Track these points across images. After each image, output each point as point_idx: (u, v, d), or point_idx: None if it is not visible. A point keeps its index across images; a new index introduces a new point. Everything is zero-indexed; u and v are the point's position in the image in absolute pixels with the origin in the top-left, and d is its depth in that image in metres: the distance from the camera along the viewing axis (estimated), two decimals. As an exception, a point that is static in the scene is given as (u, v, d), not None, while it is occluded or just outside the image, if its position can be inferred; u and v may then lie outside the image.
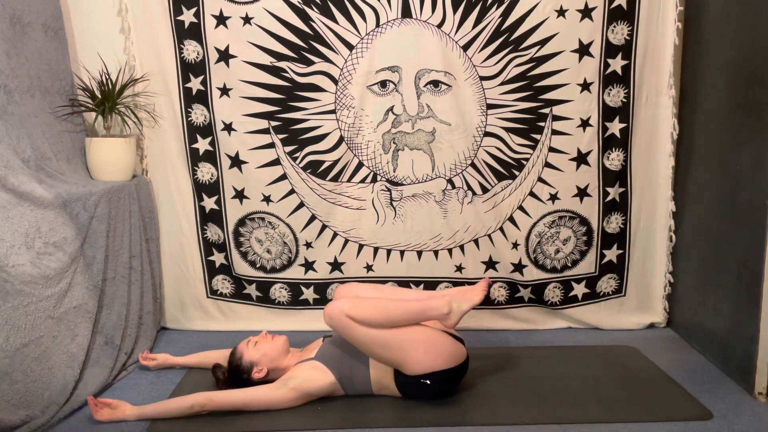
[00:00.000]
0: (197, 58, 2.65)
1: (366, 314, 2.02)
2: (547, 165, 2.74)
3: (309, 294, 2.89)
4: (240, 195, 2.78)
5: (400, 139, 2.71)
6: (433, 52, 2.62)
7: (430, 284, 2.86)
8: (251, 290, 2.89)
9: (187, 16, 2.61)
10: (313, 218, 2.80)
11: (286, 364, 2.20)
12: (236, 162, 2.73)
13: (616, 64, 2.66)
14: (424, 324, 2.12)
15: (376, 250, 2.83)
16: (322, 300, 2.89)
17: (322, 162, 2.73)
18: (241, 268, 2.86)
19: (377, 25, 2.61)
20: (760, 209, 2.14)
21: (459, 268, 2.84)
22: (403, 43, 2.61)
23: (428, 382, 2.08)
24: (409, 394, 2.14)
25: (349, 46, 2.62)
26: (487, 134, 2.71)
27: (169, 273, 2.88)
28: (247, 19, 2.60)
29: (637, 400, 2.15)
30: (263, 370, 2.16)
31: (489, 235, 2.81)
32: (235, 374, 2.19)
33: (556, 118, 2.69)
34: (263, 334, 2.26)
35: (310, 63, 2.64)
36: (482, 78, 2.65)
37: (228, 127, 2.70)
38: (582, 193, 2.77)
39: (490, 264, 2.84)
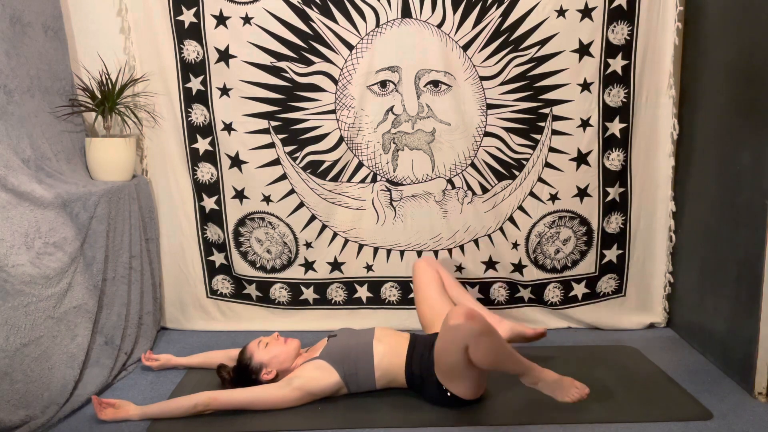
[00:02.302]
0: (197, 58, 2.65)
1: (483, 353, 1.90)
2: (547, 165, 2.74)
3: (309, 294, 2.89)
4: (240, 195, 2.78)
5: (400, 139, 2.71)
6: (433, 52, 2.62)
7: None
8: (251, 290, 2.89)
9: (187, 16, 2.61)
10: (313, 218, 2.80)
11: (294, 367, 2.19)
12: (236, 162, 2.73)
13: (616, 64, 2.66)
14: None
15: (376, 250, 2.83)
16: (322, 300, 2.89)
17: (322, 162, 2.73)
18: (241, 268, 2.86)
19: (377, 25, 2.60)
20: (760, 209, 2.14)
21: (459, 268, 2.84)
22: (403, 43, 2.61)
23: (449, 394, 2.07)
24: (415, 386, 2.14)
25: (349, 46, 2.62)
26: (487, 134, 2.71)
27: (169, 273, 2.87)
28: (247, 19, 2.60)
29: (637, 400, 2.16)
30: (272, 372, 2.15)
31: (489, 235, 2.81)
32: (243, 374, 2.18)
33: (556, 118, 2.69)
34: (275, 336, 2.25)
35: (310, 63, 2.64)
36: (482, 78, 2.65)
37: (228, 127, 2.70)
38: (582, 193, 2.77)
39: (490, 264, 2.84)
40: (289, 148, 2.72)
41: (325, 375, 2.12)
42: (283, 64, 2.64)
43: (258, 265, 2.86)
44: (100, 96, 2.54)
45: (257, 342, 2.22)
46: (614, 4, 2.59)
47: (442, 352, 2.00)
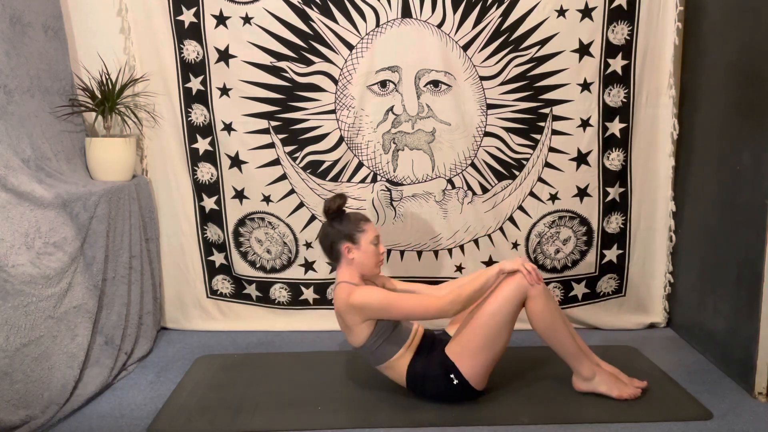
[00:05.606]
0: (197, 58, 2.65)
1: (541, 309, 2.06)
2: (547, 165, 2.74)
3: (309, 294, 2.89)
4: (240, 195, 2.78)
5: (400, 139, 2.71)
6: (433, 52, 2.62)
7: (430, 284, 2.85)
8: (251, 290, 2.89)
9: (187, 16, 2.61)
10: (313, 218, 2.80)
11: (369, 273, 2.16)
12: (236, 162, 2.73)
13: (616, 64, 2.66)
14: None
15: (376, 250, 2.83)
16: (322, 300, 2.89)
17: (322, 162, 2.73)
18: (241, 268, 2.86)
19: (377, 25, 2.61)
20: (760, 209, 2.14)
21: (459, 268, 2.84)
22: (403, 43, 2.61)
23: (455, 381, 2.07)
24: (415, 386, 2.13)
25: (349, 46, 2.62)
26: (487, 134, 2.71)
27: (169, 273, 2.87)
28: (247, 19, 2.60)
29: (637, 400, 2.15)
30: (351, 254, 2.11)
31: (489, 235, 2.81)
32: (341, 225, 2.13)
33: (556, 118, 2.69)
34: (383, 248, 2.19)
35: (310, 63, 2.64)
36: (482, 78, 2.65)
37: (228, 127, 2.70)
38: (582, 193, 2.77)
39: (490, 264, 2.84)
40: (289, 148, 2.72)
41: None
42: (283, 64, 2.64)
43: (258, 265, 2.86)
44: (100, 96, 2.54)
45: (378, 236, 2.16)
46: (614, 4, 2.59)
47: (492, 301, 2.04)
